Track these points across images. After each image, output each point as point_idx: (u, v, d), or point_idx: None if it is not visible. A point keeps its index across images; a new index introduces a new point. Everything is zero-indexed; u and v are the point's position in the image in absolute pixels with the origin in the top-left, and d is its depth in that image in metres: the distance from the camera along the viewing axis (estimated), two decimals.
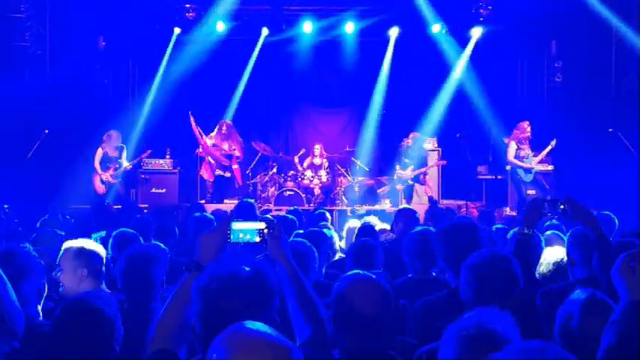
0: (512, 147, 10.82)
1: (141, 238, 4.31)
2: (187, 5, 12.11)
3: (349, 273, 2.47)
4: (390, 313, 2.39)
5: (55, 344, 2.32)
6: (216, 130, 11.45)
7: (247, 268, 1.89)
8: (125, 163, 10.87)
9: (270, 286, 1.89)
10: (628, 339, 2.00)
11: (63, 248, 3.23)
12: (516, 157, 10.83)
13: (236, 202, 10.91)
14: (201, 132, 11.30)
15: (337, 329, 2.37)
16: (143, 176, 11.47)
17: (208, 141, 11.33)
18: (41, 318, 2.76)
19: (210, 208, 9.08)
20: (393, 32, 12.71)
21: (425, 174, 11.59)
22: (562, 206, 3.13)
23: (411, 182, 11.46)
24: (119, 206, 9.81)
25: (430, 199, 11.00)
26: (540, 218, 3.25)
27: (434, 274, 3.95)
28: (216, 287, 1.84)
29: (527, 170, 10.80)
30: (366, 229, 5.23)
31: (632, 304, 2.04)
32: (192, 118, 11.21)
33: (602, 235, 3.10)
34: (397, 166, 11.57)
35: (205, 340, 1.84)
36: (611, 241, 3.13)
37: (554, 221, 5.69)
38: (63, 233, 5.20)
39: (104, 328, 2.33)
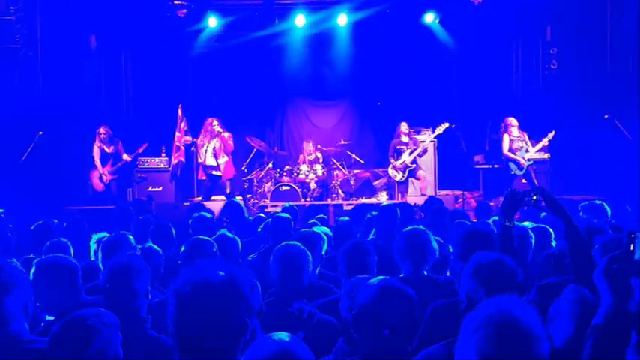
0: (506, 140, 10.88)
1: (135, 242, 4.30)
2: (178, 2, 12.03)
3: (374, 280, 2.54)
4: (413, 319, 2.44)
5: None
6: (203, 129, 11.50)
7: (221, 273, 1.95)
8: (125, 156, 11.08)
9: (242, 291, 1.94)
10: (611, 342, 1.98)
11: None
12: (510, 149, 10.84)
13: (223, 198, 11.04)
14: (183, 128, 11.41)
15: (361, 335, 2.44)
16: (139, 175, 11.48)
17: (184, 138, 11.43)
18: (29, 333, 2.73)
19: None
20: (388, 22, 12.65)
21: (417, 158, 11.49)
22: (534, 197, 3.20)
23: (412, 166, 11.43)
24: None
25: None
26: (519, 210, 3.27)
27: (425, 272, 3.94)
28: (189, 291, 1.91)
29: (518, 165, 10.80)
30: None
31: (615, 307, 2.02)
32: (180, 111, 11.34)
33: (573, 227, 3.12)
34: (391, 159, 11.51)
35: (179, 339, 1.93)
36: (581, 233, 3.15)
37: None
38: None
39: (98, 349, 2.32)
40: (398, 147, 11.53)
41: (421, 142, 11.68)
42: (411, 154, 11.40)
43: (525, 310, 1.79)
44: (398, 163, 11.45)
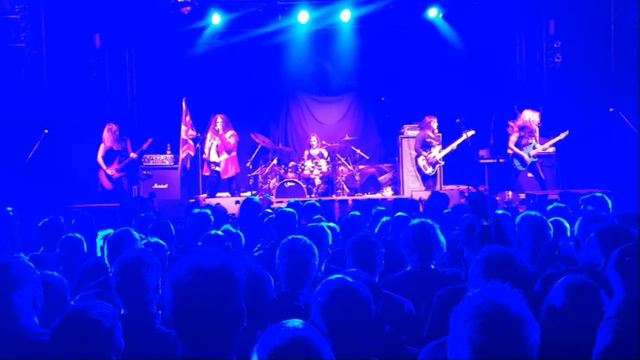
0: (514, 135, 10.88)
1: (139, 238, 4.31)
2: None
3: (328, 279, 2.50)
4: (371, 318, 2.42)
5: (54, 355, 2.35)
6: (210, 126, 11.57)
7: (213, 260, 1.98)
8: (131, 154, 11.14)
9: (235, 276, 1.97)
10: (624, 336, 1.95)
11: None
12: (517, 144, 10.84)
13: (228, 194, 11.10)
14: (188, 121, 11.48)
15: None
16: (145, 172, 11.51)
17: (189, 131, 11.50)
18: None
19: (212, 202, 9.11)
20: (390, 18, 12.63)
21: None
22: (486, 223, 3.01)
23: (442, 163, 11.45)
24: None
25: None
26: (491, 207, 3.14)
27: (432, 266, 3.94)
28: (184, 277, 1.94)
29: (522, 161, 10.80)
30: None
31: (629, 300, 1.98)
32: (184, 105, 11.39)
33: None
34: (422, 151, 11.50)
35: (177, 327, 1.96)
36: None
37: (556, 204, 5.68)
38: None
39: (101, 340, 2.34)
40: (427, 140, 11.53)
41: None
42: (440, 151, 11.42)
43: (511, 296, 1.78)
44: (430, 157, 11.45)
